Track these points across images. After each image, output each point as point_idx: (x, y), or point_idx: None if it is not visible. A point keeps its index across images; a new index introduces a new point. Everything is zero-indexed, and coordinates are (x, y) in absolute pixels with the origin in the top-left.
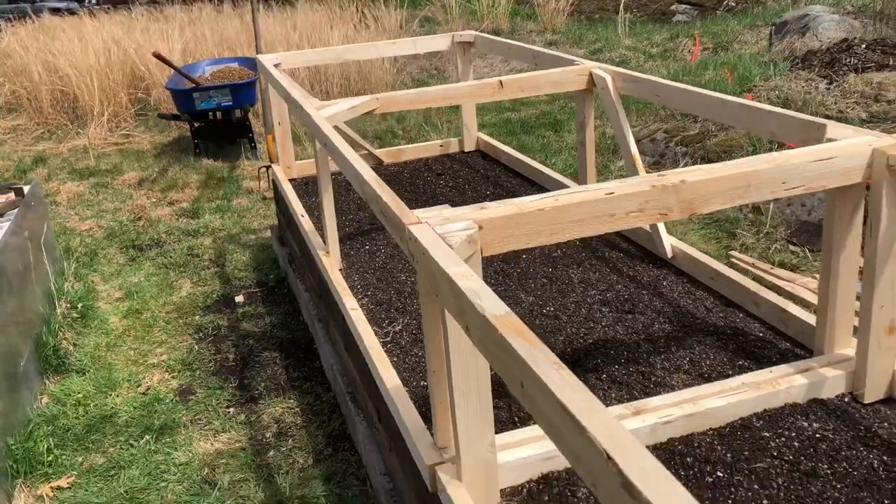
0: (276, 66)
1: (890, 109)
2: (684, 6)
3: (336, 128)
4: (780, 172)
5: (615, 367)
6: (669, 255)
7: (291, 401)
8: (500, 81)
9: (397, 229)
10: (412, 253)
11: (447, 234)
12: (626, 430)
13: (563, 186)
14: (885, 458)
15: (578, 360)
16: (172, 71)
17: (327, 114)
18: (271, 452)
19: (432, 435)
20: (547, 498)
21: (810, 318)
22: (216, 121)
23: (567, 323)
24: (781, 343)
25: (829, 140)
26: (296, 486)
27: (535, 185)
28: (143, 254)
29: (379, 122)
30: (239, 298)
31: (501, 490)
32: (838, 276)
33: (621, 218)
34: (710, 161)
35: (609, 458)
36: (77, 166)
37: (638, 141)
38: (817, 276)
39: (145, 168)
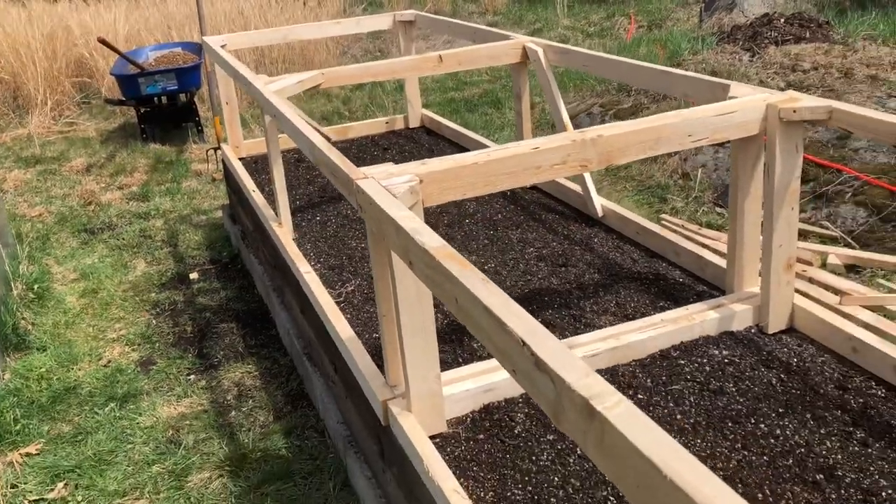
0: (223, 46)
1: (805, 78)
2: None
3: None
4: (686, 126)
5: (549, 312)
6: (600, 214)
7: (250, 366)
8: (440, 56)
9: (346, 185)
10: (360, 204)
11: (391, 186)
12: (537, 322)
13: None
14: (782, 376)
15: None
16: (118, 57)
17: (275, 88)
18: (233, 413)
19: (384, 376)
20: (488, 424)
21: (724, 263)
22: (162, 105)
23: (507, 277)
24: (698, 286)
25: (732, 98)
26: (258, 440)
27: None
28: (96, 237)
29: (325, 103)
30: (193, 275)
31: (448, 420)
32: (744, 221)
33: (547, 170)
34: None
35: (524, 343)
36: (22, 154)
37: (575, 116)
38: None
39: (92, 154)
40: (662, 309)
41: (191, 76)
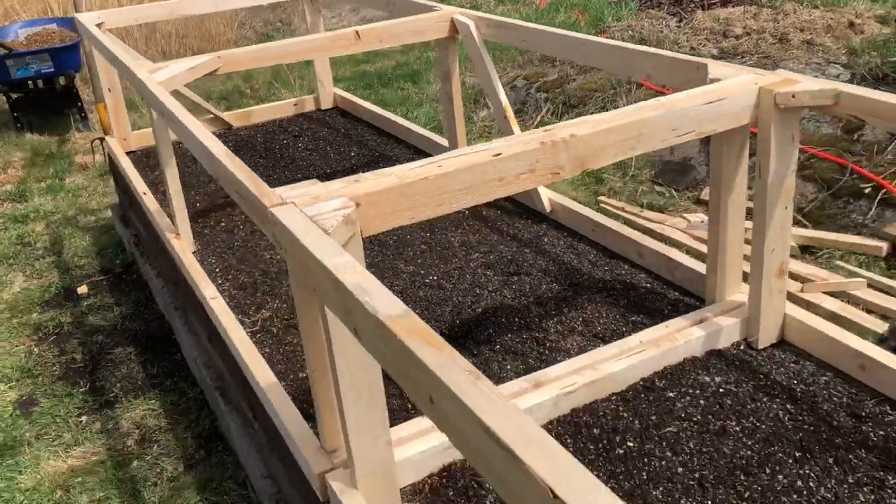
0: (99, 25)
1: (738, 44)
2: None
3: (175, 92)
4: (670, 118)
5: (508, 336)
6: (548, 209)
7: (153, 401)
8: (357, 32)
9: (257, 211)
10: (279, 241)
11: (319, 216)
12: (571, 457)
13: (433, 143)
14: (788, 406)
15: (469, 332)
16: None
17: (162, 77)
18: (135, 463)
19: (318, 436)
20: (452, 493)
21: (696, 265)
22: (38, 90)
23: (452, 291)
24: (670, 293)
25: (713, 80)
26: (167, 499)
27: (402, 142)
28: None
29: (224, 81)
30: (82, 289)
31: (402, 489)
32: (727, 221)
33: (511, 181)
34: (572, 105)
35: (555, 496)
36: None
37: None
38: (685, 215)
39: None
40: (635, 324)
41: (69, 57)
